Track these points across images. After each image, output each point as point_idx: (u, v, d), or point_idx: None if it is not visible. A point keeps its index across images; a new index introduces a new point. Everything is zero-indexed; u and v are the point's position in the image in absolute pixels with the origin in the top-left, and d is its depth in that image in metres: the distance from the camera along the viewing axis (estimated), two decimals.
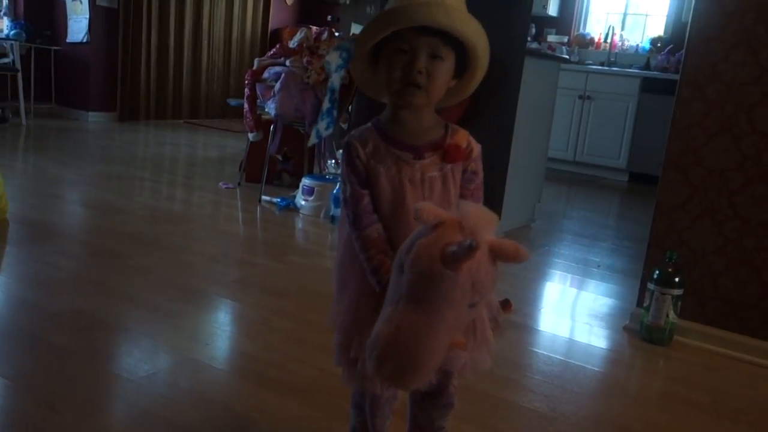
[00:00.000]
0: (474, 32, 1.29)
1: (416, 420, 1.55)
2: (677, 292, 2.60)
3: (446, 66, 1.30)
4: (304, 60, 4.53)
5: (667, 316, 2.60)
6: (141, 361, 2.13)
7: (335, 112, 3.92)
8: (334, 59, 3.88)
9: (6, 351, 2.16)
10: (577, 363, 2.46)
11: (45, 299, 2.57)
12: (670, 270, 2.60)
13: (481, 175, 1.41)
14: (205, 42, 8.91)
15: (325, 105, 3.94)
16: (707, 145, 2.59)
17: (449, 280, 1.07)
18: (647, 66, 7.25)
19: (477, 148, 1.39)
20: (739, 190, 2.55)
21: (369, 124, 1.37)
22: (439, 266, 1.07)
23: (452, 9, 1.25)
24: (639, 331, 2.72)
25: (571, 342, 2.72)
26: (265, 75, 4.70)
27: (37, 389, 1.91)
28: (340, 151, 4.42)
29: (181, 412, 1.85)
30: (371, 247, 1.31)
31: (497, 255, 1.10)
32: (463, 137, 1.38)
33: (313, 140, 4.37)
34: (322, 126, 4.04)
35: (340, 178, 1.39)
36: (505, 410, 2.06)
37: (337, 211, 4.07)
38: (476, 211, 1.14)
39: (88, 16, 7.58)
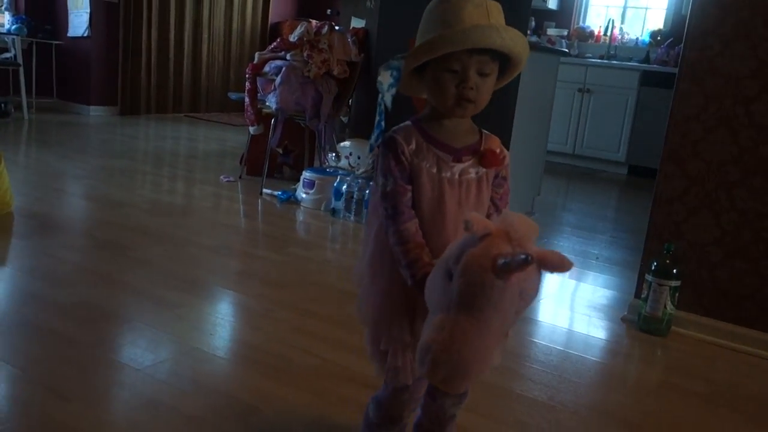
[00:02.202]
0: (521, 48, 1.33)
1: (428, 408, 1.57)
2: (675, 283, 2.63)
3: (492, 79, 1.35)
4: (305, 54, 4.55)
5: (665, 307, 2.63)
6: (146, 351, 2.16)
7: (383, 124, 4.06)
8: (385, 79, 4.00)
9: (14, 342, 2.19)
10: (575, 353, 2.49)
11: (50, 291, 2.60)
12: (667, 261, 2.63)
13: (509, 180, 1.46)
14: (205, 35, 8.93)
15: (376, 119, 4.11)
16: (705, 139, 2.61)
17: (499, 290, 1.10)
18: (647, 59, 7.26)
19: (508, 155, 1.44)
20: (737, 182, 2.58)
21: (408, 123, 1.40)
22: (490, 276, 1.10)
23: (503, 29, 1.29)
24: (637, 322, 2.75)
25: (570, 333, 2.75)
26: (266, 69, 4.73)
27: (46, 378, 1.94)
28: (341, 144, 4.49)
29: (185, 400, 1.88)
30: (409, 240, 1.33)
31: (543, 265, 1.13)
32: (496, 143, 1.43)
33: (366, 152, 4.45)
34: (373, 138, 4.21)
35: (377, 172, 1.39)
36: (506, 399, 2.09)
37: (338, 204, 4.10)
38: (522, 221, 1.17)
39: (88, 11, 7.62)
